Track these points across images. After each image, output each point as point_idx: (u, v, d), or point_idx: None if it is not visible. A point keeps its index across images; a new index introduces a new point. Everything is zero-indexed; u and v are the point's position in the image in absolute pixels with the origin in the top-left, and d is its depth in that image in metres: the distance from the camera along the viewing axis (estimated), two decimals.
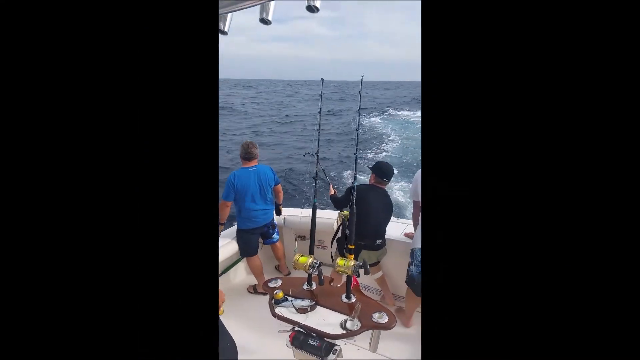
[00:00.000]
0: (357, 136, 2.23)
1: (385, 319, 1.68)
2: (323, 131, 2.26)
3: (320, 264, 1.95)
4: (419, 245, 2.21)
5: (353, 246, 1.98)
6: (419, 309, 2.61)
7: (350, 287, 1.90)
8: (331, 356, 1.54)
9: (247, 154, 2.82)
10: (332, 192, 2.81)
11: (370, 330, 1.76)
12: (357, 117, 2.19)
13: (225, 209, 2.81)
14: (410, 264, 2.31)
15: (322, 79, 2.36)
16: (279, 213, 3.16)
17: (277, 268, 3.39)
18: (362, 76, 2.12)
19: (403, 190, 8.82)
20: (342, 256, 2.27)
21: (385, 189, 2.61)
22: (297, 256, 1.95)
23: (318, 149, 2.24)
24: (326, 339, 1.62)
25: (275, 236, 3.11)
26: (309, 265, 1.89)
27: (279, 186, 3.06)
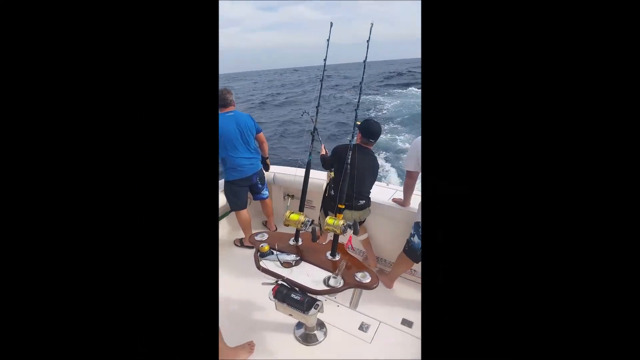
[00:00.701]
0: (361, 85, 2.10)
1: (368, 279, 1.69)
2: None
3: (313, 221, 1.93)
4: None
5: (343, 206, 1.96)
6: (404, 274, 2.67)
7: (336, 245, 1.90)
8: (312, 311, 1.56)
9: (223, 100, 2.73)
10: (323, 152, 2.74)
11: (352, 289, 1.78)
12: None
13: None
14: (412, 235, 2.31)
15: (331, 23, 2.19)
16: (266, 168, 3.10)
17: (265, 224, 3.39)
18: (372, 24, 2.01)
19: (407, 141, 9.18)
20: (326, 215, 2.25)
21: (372, 149, 2.53)
22: (288, 213, 1.92)
23: (319, 102, 2.13)
24: (309, 294, 1.63)
25: (265, 192, 3.07)
26: (302, 223, 1.87)
27: (262, 135, 2.95)
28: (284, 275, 1.70)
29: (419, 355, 2.00)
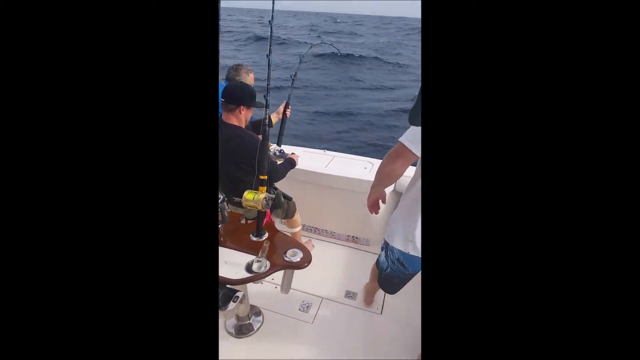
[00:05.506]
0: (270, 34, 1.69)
1: (298, 257, 1.46)
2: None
3: (224, 198, 1.62)
4: (398, 245, 1.49)
5: (265, 177, 1.68)
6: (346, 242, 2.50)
7: (261, 223, 1.63)
8: (231, 305, 1.29)
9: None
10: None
11: (282, 271, 1.54)
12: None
13: None
14: (381, 255, 1.67)
15: None
16: None
17: None
18: None
19: None
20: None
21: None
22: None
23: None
24: (227, 285, 1.36)
25: None
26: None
27: None
28: None
29: (363, 329, 1.87)
